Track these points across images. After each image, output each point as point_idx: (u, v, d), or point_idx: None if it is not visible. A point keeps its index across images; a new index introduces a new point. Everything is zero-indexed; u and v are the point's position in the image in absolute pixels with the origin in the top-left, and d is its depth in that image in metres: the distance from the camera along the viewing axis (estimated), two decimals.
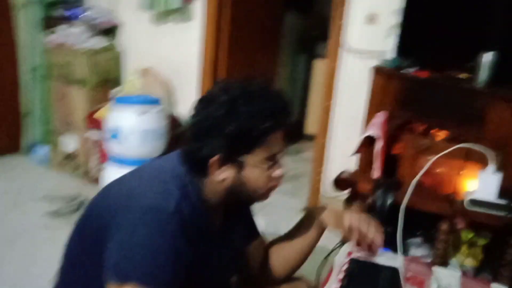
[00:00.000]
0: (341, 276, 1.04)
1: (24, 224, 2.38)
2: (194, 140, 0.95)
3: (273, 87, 0.98)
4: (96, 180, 2.84)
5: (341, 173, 1.39)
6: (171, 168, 0.99)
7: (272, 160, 0.96)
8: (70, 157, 3.04)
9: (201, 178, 0.98)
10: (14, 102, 3.21)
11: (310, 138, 3.68)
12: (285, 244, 1.20)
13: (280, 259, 1.20)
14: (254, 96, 0.92)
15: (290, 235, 1.20)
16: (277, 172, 0.98)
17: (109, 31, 3.09)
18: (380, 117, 1.97)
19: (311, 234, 1.16)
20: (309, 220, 1.17)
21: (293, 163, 3.60)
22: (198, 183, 0.98)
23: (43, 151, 3.22)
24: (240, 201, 1.02)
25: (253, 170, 0.95)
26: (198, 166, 0.96)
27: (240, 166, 0.95)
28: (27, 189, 2.79)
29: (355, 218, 1.07)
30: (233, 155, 0.93)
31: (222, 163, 0.94)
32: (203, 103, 0.95)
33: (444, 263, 1.28)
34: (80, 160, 3.01)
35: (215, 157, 0.93)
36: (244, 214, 1.19)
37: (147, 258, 0.87)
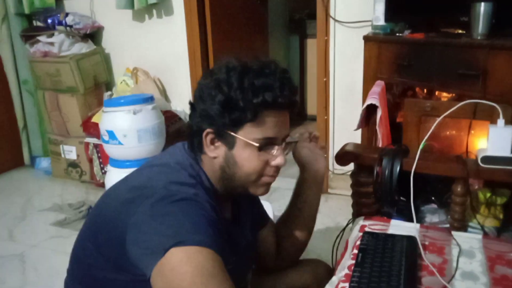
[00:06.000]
0: (355, 252, 0.98)
1: (33, 236, 2.38)
2: (192, 114, 0.94)
3: (277, 65, 0.92)
4: (102, 185, 2.82)
5: (344, 146, 1.33)
6: (179, 158, 0.95)
7: (267, 144, 0.90)
8: (73, 165, 3.02)
9: (199, 154, 0.95)
10: (11, 117, 3.22)
11: (313, 118, 3.63)
12: (289, 219, 1.17)
13: (288, 235, 1.17)
14: (251, 70, 0.89)
15: (290, 210, 1.18)
16: (274, 161, 0.92)
17: (93, 35, 3.04)
18: (378, 85, 1.91)
19: (307, 195, 1.14)
20: (301, 185, 1.15)
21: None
22: (203, 167, 0.95)
23: (45, 162, 3.23)
24: (235, 186, 0.96)
25: (244, 150, 0.90)
26: (195, 142, 0.94)
27: (230, 143, 0.90)
28: (34, 201, 2.82)
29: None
30: (223, 129, 0.90)
31: (214, 138, 0.91)
32: (204, 78, 0.93)
33: (463, 227, 1.22)
34: (83, 166, 2.98)
35: (208, 130, 0.90)
36: (252, 204, 1.15)
37: (177, 221, 0.80)
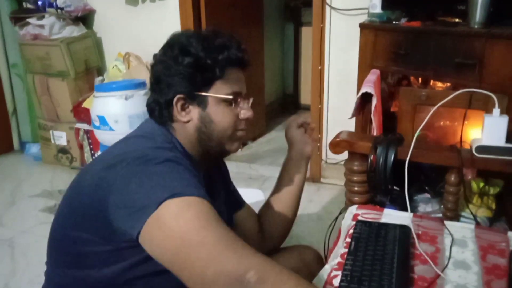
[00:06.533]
0: (348, 240, 0.98)
1: (23, 222, 2.37)
2: (156, 87, 0.97)
3: (223, 31, 1.00)
4: None
5: (338, 134, 1.31)
6: (150, 130, 0.97)
7: (236, 98, 0.97)
8: (63, 151, 2.98)
9: (169, 123, 0.97)
10: (0, 101, 3.16)
11: (307, 108, 3.62)
12: (274, 200, 1.21)
13: (272, 215, 1.20)
14: (207, 35, 0.97)
15: (275, 190, 1.22)
16: (243, 113, 0.99)
17: (84, 18, 2.98)
18: (374, 74, 1.89)
19: (293, 173, 1.20)
20: (288, 163, 1.21)
21: None
22: (175, 135, 0.97)
23: (35, 148, 3.19)
24: (212, 145, 0.98)
25: (218, 106, 0.95)
26: (165, 112, 0.96)
27: (203, 103, 0.95)
28: (24, 186, 2.79)
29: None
30: (194, 91, 0.94)
31: (186, 102, 0.95)
32: (161, 51, 0.98)
33: (456, 216, 1.22)
34: (73, 152, 2.95)
35: (178, 96, 0.93)
36: (225, 182, 1.19)
37: (165, 179, 0.80)
